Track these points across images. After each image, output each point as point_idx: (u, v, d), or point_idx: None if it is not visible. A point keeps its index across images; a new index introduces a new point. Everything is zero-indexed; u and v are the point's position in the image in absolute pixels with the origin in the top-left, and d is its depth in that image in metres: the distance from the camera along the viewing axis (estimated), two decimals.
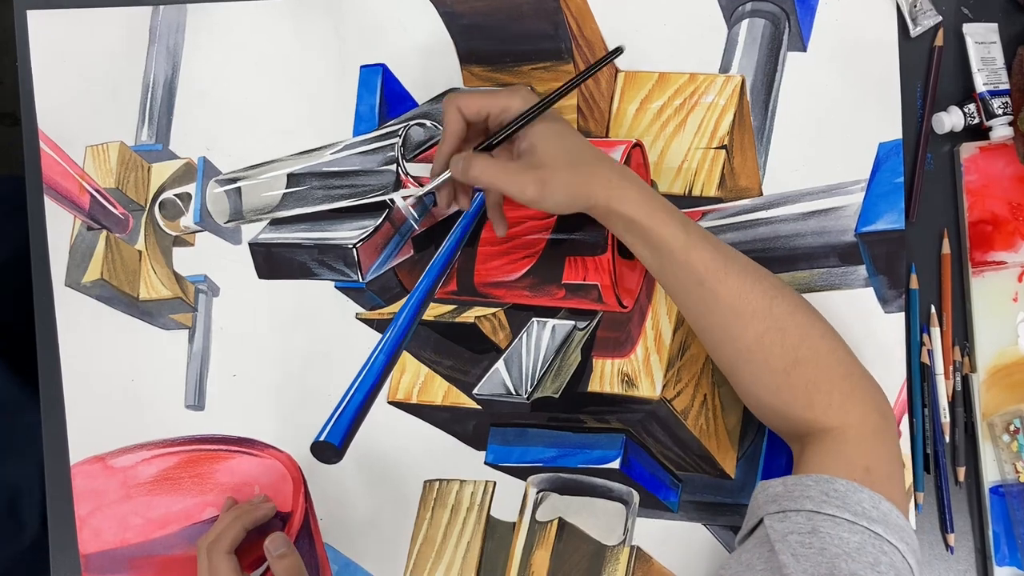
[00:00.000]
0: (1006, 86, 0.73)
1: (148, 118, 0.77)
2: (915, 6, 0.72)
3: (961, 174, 0.73)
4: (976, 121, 0.73)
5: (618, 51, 0.62)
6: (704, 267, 0.61)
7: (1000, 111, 0.72)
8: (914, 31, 0.73)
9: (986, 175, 0.73)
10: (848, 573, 0.54)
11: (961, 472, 0.73)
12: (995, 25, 0.74)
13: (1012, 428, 0.72)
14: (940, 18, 0.72)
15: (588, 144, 0.63)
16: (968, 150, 0.73)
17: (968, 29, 0.73)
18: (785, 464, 0.74)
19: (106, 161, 0.77)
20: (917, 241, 0.74)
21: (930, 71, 0.74)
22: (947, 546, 0.73)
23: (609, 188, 0.61)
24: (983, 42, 0.73)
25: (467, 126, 0.64)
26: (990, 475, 0.73)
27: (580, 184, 0.60)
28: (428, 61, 0.75)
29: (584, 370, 0.74)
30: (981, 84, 0.72)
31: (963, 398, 0.73)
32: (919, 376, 0.73)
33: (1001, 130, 0.72)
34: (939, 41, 0.73)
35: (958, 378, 0.73)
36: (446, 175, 0.64)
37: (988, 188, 0.73)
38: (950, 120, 0.72)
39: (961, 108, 0.73)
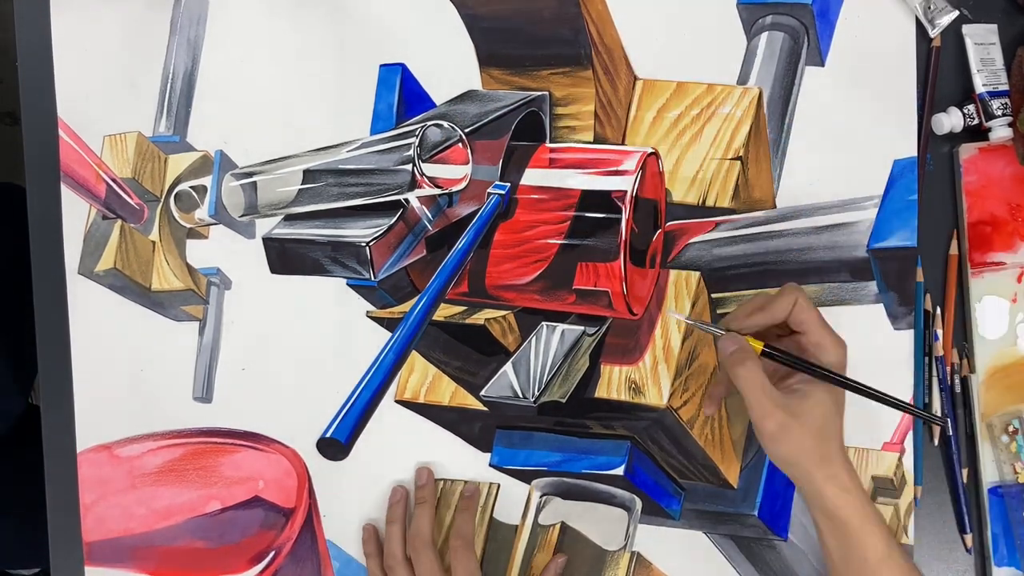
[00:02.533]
0: (1005, 87, 0.73)
1: (167, 110, 0.77)
2: (929, 7, 0.72)
3: (960, 175, 0.74)
4: (975, 122, 0.73)
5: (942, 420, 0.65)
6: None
7: (999, 112, 0.72)
8: (933, 32, 0.73)
9: (985, 176, 0.73)
10: None
11: (964, 473, 0.73)
12: (994, 26, 0.74)
13: (1011, 429, 0.72)
14: (956, 12, 0.72)
15: (840, 434, 0.62)
16: (967, 151, 0.73)
17: (967, 30, 0.74)
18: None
19: (123, 151, 0.77)
20: (919, 240, 0.74)
21: (929, 72, 0.74)
22: (966, 548, 0.74)
23: (834, 482, 0.60)
24: (982, 43, 0.73)
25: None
26: (989, 476, 0.73)
27: (814, 456, 0.60)
28: (448, 62, 0.76)
29: (592, 376, 0.74)
30: (980, 85, 0.73)
31: (962, 399, 0.74)
32: (922, 373, 0.73)
33: (1000, 131, 0.72)
34: (937, 42, 0.73)
35: (957, 379, 0.74)
36: (716, 330, 0.63)
37: (987, 189, 0.73)
38: (949, 121, 0.73)
39: (960, 109, 0.73)
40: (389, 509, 0.74)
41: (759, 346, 0.61)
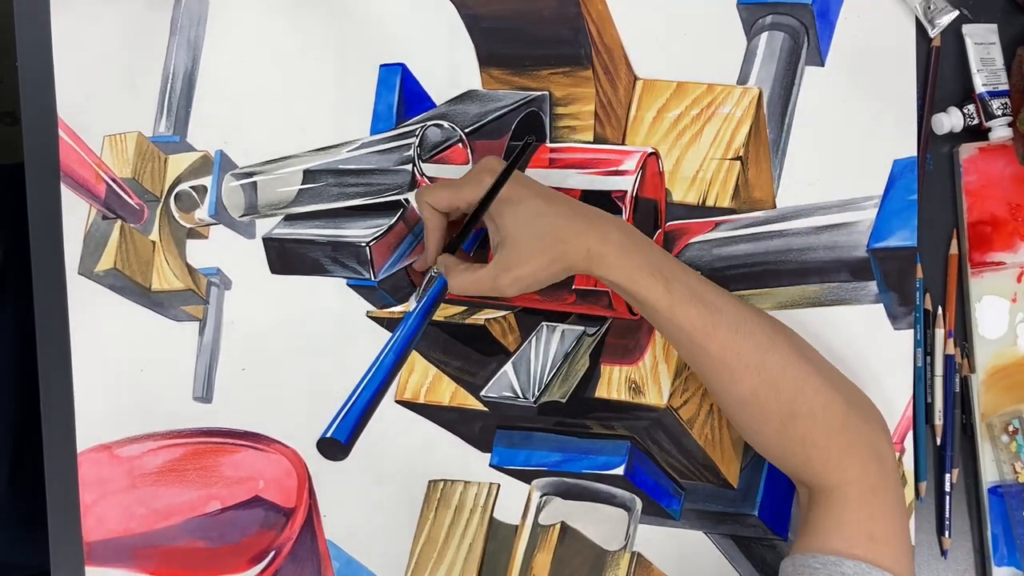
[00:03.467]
0: (1005, 87, 0.73)
1: (167, 110, 0.77)
2: (929, 7, 0.72)
3: (960, 175, 0.74)
4: (975, 122, 0.73)
5: (530, 142, 0.65)
6: (691, 325, 0.61)
7: (999, 112, 0.72)
8: (932, 32, 0.73)
9: (985, 176, 0.73)
10: None
11: (954, 474, 0.73)
12: (994, 26, 0.74)
13: (1011, 429, 0.72)
14: (956, 12, 0.72)
15: (565, 210, 0.62)
16: (967, 151, 0.74)
17: (967, 30, 0.74)
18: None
19: (123, 151, 0.77)
20: (919, 240, 0.74)
21: (928, 72, 0.74)
22: (941, 550, 0.74)
23: (588, 258, 0.61)
24: (982, 43, 0.73)
25: (446, 216, 0.66)
26: (989, 476, 0.73)
27: (555, 262, 0.61)
28: (448, 62, 0.76)
29: (592, 376, 0.74)
30: (980, 85, 0.73)
31: (962, 399, 0.74)
32: (923, 370, 0.73)
33: (1000, 131, 0.72)
34: (937, 42, 0.73)
35: (957, 379, 0.74)
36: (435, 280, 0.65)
37: (987, 189, 0.73)
38: (949, 121, 0.73)
39: (960, 109, 0.73)
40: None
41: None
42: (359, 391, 0.74)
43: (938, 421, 0.73)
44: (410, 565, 0.75)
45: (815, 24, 0.74)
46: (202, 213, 0.77)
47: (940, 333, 0.73)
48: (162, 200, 0.77)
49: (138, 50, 0.77)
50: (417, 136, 0.73)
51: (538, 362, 0.74)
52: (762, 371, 0.61)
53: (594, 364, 0.74)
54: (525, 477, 0.75)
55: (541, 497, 0.75)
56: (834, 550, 0.58)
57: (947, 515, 0.73)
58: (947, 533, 0.73)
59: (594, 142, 0.75)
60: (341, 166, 0.74)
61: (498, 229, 0.63)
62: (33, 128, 0.78)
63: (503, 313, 0.75)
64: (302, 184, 0.74)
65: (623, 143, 0.75)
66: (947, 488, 0.73)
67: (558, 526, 0.75)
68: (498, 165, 0.63)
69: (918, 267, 0.73)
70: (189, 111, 0.77)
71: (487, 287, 0.62)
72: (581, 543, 0.75)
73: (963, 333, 0.74)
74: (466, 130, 0.73)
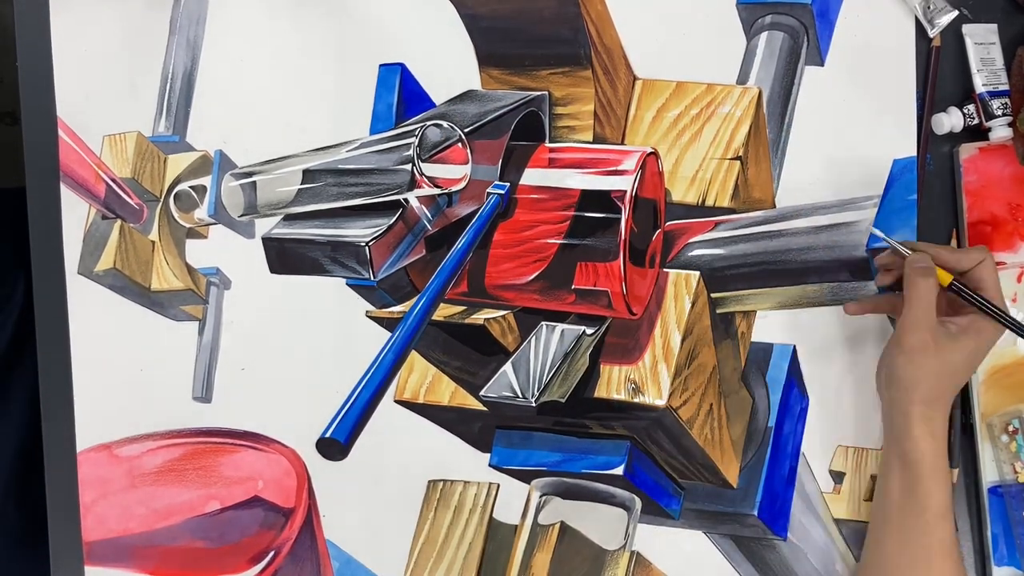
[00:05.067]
0: (1005, 87, 0.73)
1: (166, 109, 0.77)
2: (929, 7, 0.72)
3: (960, 175, 0.74)
4: (975, 122, 0.73)
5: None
6: (941, 544, 0.62)
7: (999, 112, 0.72)
8: (932, 32, 0.73)
9: (985, 176, 0.73)
10: None
11: (954, 473, 0.73)
12: (995, 26, 0.74)
13: (1011, 428, 0.72)
14: (956, 12, 0.72)
15: (956, 391, 0.64)
16: (967, 151, 0.74)
17: (967, 30, 0.74)
18: (787, 475, 0.74)
19: (123, 151, 0.77)
20: (919, 240, 0.74)
21: (928, 72, 0.74)
22: None
23: (929, 425, 0.62)
24: (982, 43, 0.73)
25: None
26: (989, 475, 0.73)
27: (927, 391, 0.62)
28: (447, 62, 0.76)
29: (591, 375, 0.74)
30: (980, 85, 0.73)
31: (962, 399, 0.74)
32: None
33: (1000, 131, 0.72)
34: (937, 42, 0.73)
35: None
36: (907, 251, 0.65)
37: (987, 189, 0.73)
38: (949, 121, 0.73)
39: (960, 109, 0.73)
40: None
41: (947, 278, 0.64)
42: (358, 391, 0.74)
43: None
44: (409, 565, 0.76)
45: (815, 24, 0.74)
46: (201, 213, 0.77)
47: None
48: (161, 200, 0.77)
49: (137, 50, 0.77)
50: (416, 136, 0.72)
51: (538, 362, 0.74)
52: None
53: (594, 364, 0.74)
54: (524, 477, 0.75)
55: (540, 497, 0.75)
56: None
57: None
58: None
59: (593, 142, 0.75)
60: (340, 166, 0.74)
61: (975, 324, 0.64)
62: (33, 128, 0.78)
63: (503, 313, 0.75)
64: (301, 184, 0.74)
65: (622, 143, 0.75)
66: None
67: (557, 526, 0.75)
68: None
69: None
70: (188, 111, 0.77)
71: (918, 316, 0.63)
72: (580, 543, 0.75)
73: None
74: (465, 130, 0.73)
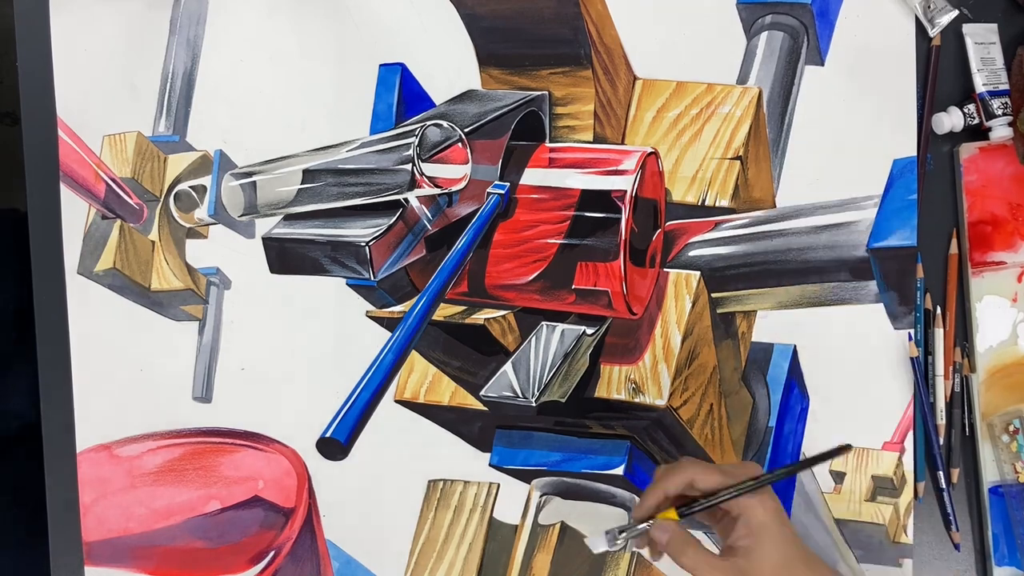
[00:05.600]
0: (1006, 86, 0.73)
1: (166, 109, 0.77)
2: (929, 7, 0.72)
3: (961, 174, 0.74)
4: (976, 121, 0.73)
5: (845, 448, 0.61)
6: None
7: (1000, 111, 0.72)
8: (932, 31, 0.73)
9: (986, 175, 0.73)
10: None
11: (955, 473, 0.73)
12: (995, 25, 0.74)
13: (1011, 428, 0.72)
14: (956, 12, 0.72)
15: (807, 558, 0.60)
16: (968, 150, 0.74)
17: (968, 29, 0.74)
18: None
19: (123, 151, 0.77)
20: (919, 240, 0.74)
21: (929, 71, 0.74)
22: (953, 544, 0.74)
23: None
24: (983, 42, 0.73)
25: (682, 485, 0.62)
26: (989, 475, 0.73)
27: None
28: (447, 62, 0.76)
29: (591, 375, 0.74)
30: (981, 84, 0.73)
31: (962, 399, 0.74)
32: (924, 370, 0.73)
33: (1001, 130, 0.72)
34: (937, 41, 0.73)
35: (957, 379, 0.74)
36: (643, 527, 0.61)
37: (988, 189, 0.73)
38: (950, 120, 0.73)
39: (961, 108, 0.73)
40: None
41: (673, 515, 0.60)
42: (358, 391, 0.74)
43: (940, 421, 0.73)
44: (410, 565, 0.75)
45: (815, 24, 0.74)
46: (201, 213, 0.77)
47: (940, 333, 0.73)
48: (161, 200, 0.77)
49: (137, 50, 0.77)
50: (416, 136, 0.72)
51: (538, 362, 0.74)
52: None
53: (594, 364, 0.74)
54: (525, 477, 0.75)
55: (541, 497, 0.75)
56: None
57: (949, 509, 0.73)
58: (954, 526, 0.73)
59: (594, 142, 0.75)
60: (340, 166, 0.74)
61: (749, 534, 0.59)
62: (33, 128, 0.78)
63: (503, 313, 0.75)
64: (301, 184, 0.74)
65: (623, 143, 0.75)
66: (942, 484, 0.73)
67: (558, 526, 0.75)
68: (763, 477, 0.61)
69: (919, 267, 0.73)
70: (188, 111, 0.77)
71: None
72: (581, 543, 0.75)
73: (963, 333, 0.74)
74: (465, 130, 0.73)
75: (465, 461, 0.75)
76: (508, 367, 0.75)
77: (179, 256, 0.77)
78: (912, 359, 0.73)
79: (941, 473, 0.73)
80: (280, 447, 0.76)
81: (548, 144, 0.75)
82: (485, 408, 0.75)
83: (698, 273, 0.73)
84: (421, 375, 0.75)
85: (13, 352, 0.93)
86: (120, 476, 0.76)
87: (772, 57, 0.74)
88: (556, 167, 0.73)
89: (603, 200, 0.70)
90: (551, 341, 0.74)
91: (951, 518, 0.73)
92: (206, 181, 0.77)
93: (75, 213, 0.77)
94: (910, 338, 0.73)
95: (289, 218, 0.76)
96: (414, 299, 0.75)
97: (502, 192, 0.73)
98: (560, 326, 0.74)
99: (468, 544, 0.75)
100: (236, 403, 0.76)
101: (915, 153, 0.73)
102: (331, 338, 0.76)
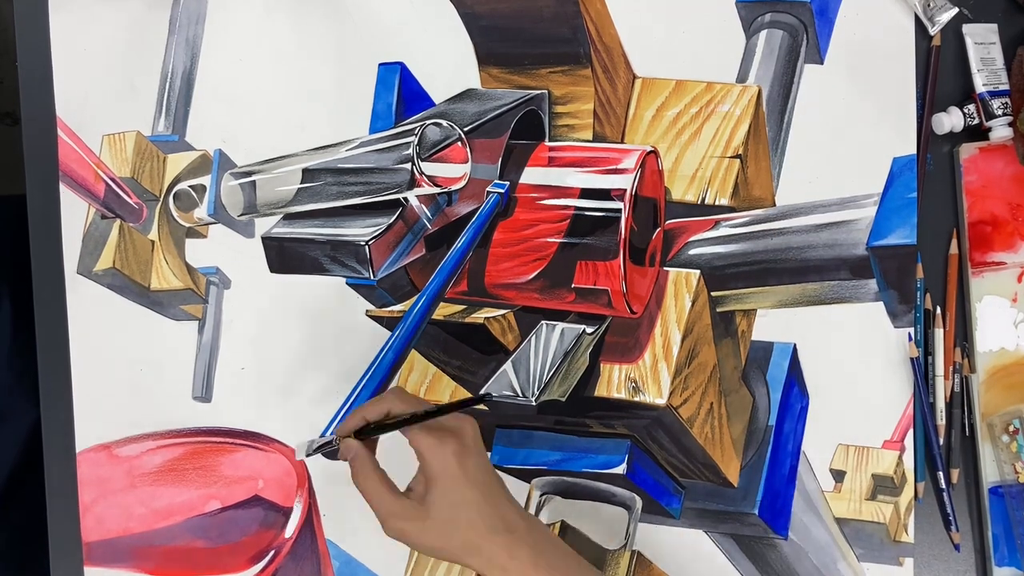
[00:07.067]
0: (1006, 87, 0.73)
1: (165, 109, 0.77)
2: (929, 5, 0.72)
3: (961, 175, 0.74)
4: (976, 122, 0.73)
5: (486, 396, 0.63)
6: None
7: (1000, 112, 0.72)
8: (933, 29, 0.72)
9: (986, 176, 0.73)
10: None
11: (955, 474, 0.73)
12: (995, 26, 0.74)
13: (1011, 429, 0.72)
14: (956, 9, 0.72)
15: (489, 508, 0.60)
16: (968, 151, 0.74)
17: (968, 29, 0.74)
18: (788, 474, 0.74)
19: (122, 150, 0.77)
20: (919, 240, 0.74)
21: (928, 71, 0.74)
22: (953, 545, 0.74)
23: (488, 565, 0.59)
24: (983, 43, 0.73)
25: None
26: (989, 476, 0.73)
27: (452, 549, 0.59)
28: (447, 61, 0.76)
29: (591, 374, 0.74)
30: (981, 85, 0.73)
31: (962, 399, 0.74)
32: (923, 370, 0.73)
33: (1001, 131, 0.72)
34: (937, 41, 0.73)
35: (957, 379, 0.74)
36: (328, 438, 0.62)
37: (988, 189, 0.73)
38: (950, 121, 0.73)
39: (961, 109, 0.73)
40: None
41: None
42: (358, 390, 0.75)
43: (940, 421, 0.73)
44: (409, 564, 0.75)
45: (814, 22, 0.74)
46: (201, 212, 0.77)
47: (939, 333, 0.73)
48: (161, 199, 0.77)
49: (137, 49, 0.77)
50: (416, 135, 0.72)
51: (538, 361, 0.74)
52: None
53: (594, 363, 0.74)
54: (525, 476, 0.75)
55: (541, 496, 0.75)
56: None
57: (949, 509, 0.73)
58: (954, 527, 0.73)
59: (593, 140, 0.75)
60: (340, 165, 0.74)
61: (427, 480, 0.60)
62: (33, 128, 0.78)
63: (502, 312, 0.74)
64: (301, 183, 0.74)
65: (622, 141, 0.75)
66: (942, 484, 0.73)
67: (558, 525, 0.75)
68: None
69: (918, 267, 0.73)
70: (188, 110, 0.77)
71: (378, 510, 0.60)
72: (581, 542, 0.74)
73: (963, 333, 0.74)
74: (465, 129, 0.73)
75: None
76: (508, 366, 0.74)
77: (179, 256, 0.77)
78: (912, 360, 0.72)
79: (941, 473, 0.73)
80: (280, 446, 0.76)
81: (548, 143, 0.75)
82: (485, 407, 0.75)
83: (698, 272, 0.73)
84: (421, 374, 0.75)
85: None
86: (120, 476, 0.76)
87: (771, 56, 0.74)
88: (556, 166, 0.73)
89: (603, 199, 0.70)
90: (551, 340, 0.74)
91: (951, 519, 0.73)
92: (205, 180, 0.77)
93: (75, 213, 0.77)
94: (910, 338, 0.73)
95: (289, 217, 0.76)
96: (414, 298, 0.75)
97: (502, 191, 0.73)
98: (560, 325, 0.74)
99: None
100: (236, 403, 0.76)
101: (915, 152, 0.73)
102: (331, 337, 0.76)
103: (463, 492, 0.60)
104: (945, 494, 0.73)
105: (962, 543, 0.74)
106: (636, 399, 0.73)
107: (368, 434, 0.61)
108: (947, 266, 0.74)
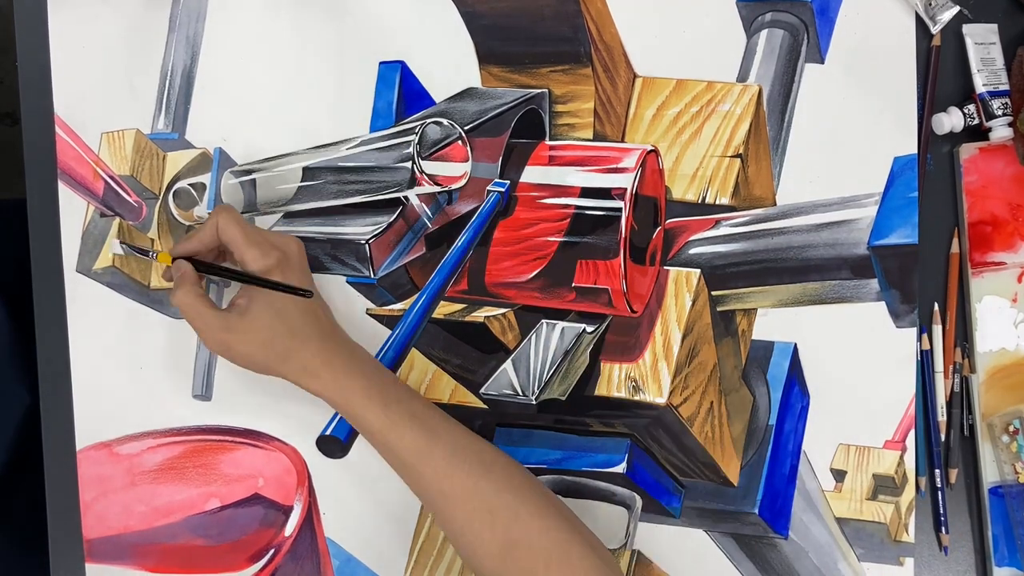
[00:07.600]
0: (1006, 87, 0.73)
1: (165, 107, 0.77)
2: (930, 4, 0.72)
3: (961, 175, 0.74)
4: (976, 122, 0.73)
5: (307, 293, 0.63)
6: (405, 450, 0.61)
7: (1000, 112, 0.72)
8: (934, 28, 0.72)
9: (986, 176, 0.73)
10: None
11: (953, 473, 0.73)
12: (995, 26, 0.74)
13: (1011, 429, 0.72)
14: (957, 8, 0.72)
15: (308, 319, 0.63)
16: (968, 151, 0.74)
17: (968, 29, 0.73)
18: (788, 473, 0.74)
19: (121, 148, 0.77)
20: (919, 240, 0.74)
21: (929, 72, 0.74)
22: (940, 546, 0.73)
23: (303, 372, 0.62)
24: (983, 43, 0.73)
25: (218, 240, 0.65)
26: (989, 476, 0.73)
27: (269, 359, 0.62)
28: (447, 60, 0.76)
29: (592, 373, 0.74)
30: (981, 85, 0.73)
31: (962, 399, 0.74)
32: (922, 369, 0.73)
33: (1001, 131, 0.72)
34: (937, 41, 0.73)
35: (957, 379, 0.74)
36: (147, 249, 0.66)
37: (988, 189, 0.73)
38: (950, 121, 0.73)
39: (961, 109, 0.73)
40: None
41: (166, 259, 0.65)
42: None
43: (941, 418, 0.73)
44: (409, 564, 0.75)
45: (815, 21, 0.74)
46: (201, 211, 0.77)
47: (938, 331, 0.73)
48: (160, 198, 0.77)
49: (137, 47, 0.77)
50: (416, 133, 0.72)
51: (538, 360, 0.74)
52: (475, 497, 0.60)
53: (594, 362, 0.74)
54: None
55: None
56: None
57: (942, 510, 0.73)
58: (944, 529, 0.73)
59: (594, 139, 0.75)
60: (340, 163, 0.74)
61: (250, 292, 0.63)
62: (32, 128, 0.77)
63: (503, 311, 0.74)
64: (301, 181, 0.74)
65: (623, 140, 0.75)
66: (938, 484, 0.73)
67: None
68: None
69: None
70: (188, 108, 0.77)
71: (199, 325, 0.63)
72: None
73: (964, 333, 0.74)
74: (465, 128, 0.73)
75: None
76: (508, 365, 0.74)
77: None
78: (923, 352, 0.72)
79: (938, 472, 0.73)
80: (280, 445, 0.76)
81: (548, 142, 0.75)
82: (485, 406, 0.75)
83: (698, 271, 0.73)
84: (421, 373, 0.75)
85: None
86: (120, 474, 0.76)
87: (772, 55, 0.74)
88: (556, 165, 0.73)
89: (603, 198, 0.70)
90: (551, 339, 0.74)
91: (943, 519, 0.73)
92: (205, 179, 0.76)
93: (74, 211, 0.77)
94: (923, 330, 0.73)
95: (289, 216, 0.76)
96: (414, 297, 0.75)
97: (502, 190, 0.73)
98: (560, 324, 0.74)
99: None
100: (236, 401, 0.76)
101: (915, 151, 0.73)
102: None
103: (283, 301, 0.62)
104: (940, 494, 0.73)
105: (962, 543, 0.74)
106: (636, 398, 0.73)
107: (200, 270, 0.65)
108: (947, 266, 0.74)
